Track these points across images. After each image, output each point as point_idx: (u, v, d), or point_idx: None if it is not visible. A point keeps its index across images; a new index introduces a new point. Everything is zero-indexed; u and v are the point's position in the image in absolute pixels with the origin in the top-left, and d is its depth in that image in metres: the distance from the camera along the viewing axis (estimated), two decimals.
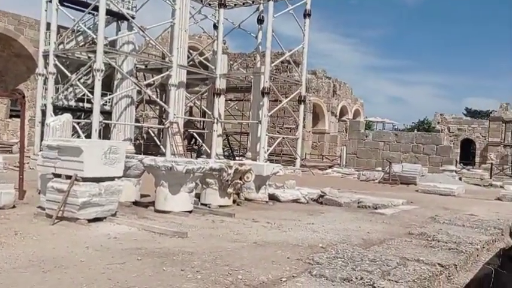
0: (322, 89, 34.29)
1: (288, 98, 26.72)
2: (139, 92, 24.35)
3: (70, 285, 3.80)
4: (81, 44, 22.75)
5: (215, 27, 27.47)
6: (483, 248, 6.48)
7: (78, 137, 19.83)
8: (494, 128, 38.10)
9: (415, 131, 34.98)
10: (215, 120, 25.09)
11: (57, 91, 22.31)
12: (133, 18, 22.61)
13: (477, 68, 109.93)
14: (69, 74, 21.68)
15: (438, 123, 44.23)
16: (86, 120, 22.28)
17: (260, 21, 27.33)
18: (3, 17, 23.62)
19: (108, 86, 22.86)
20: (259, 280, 4.17)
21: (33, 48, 23.99)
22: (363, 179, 20.13)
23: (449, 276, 5.08)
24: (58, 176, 6.60)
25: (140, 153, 20.55)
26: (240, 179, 9.10)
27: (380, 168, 23.26)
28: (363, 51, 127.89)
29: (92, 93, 19.93)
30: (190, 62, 26.29)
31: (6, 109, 25.33)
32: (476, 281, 5.47)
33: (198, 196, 8.88)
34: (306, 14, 26.02)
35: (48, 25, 22.10)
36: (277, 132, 29.21)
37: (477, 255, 6.15)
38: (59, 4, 21.80)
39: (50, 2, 21.89)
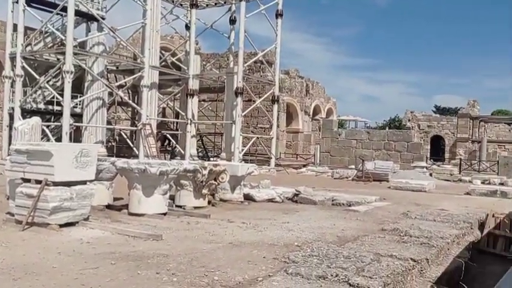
0: (295, 89, 34.50)
1: (262, 98, 26.79)
2: (110, 94, 23.97)
3: None
4: (49, 46, 22.23)
5: (187, 27, 27.32)
6: (453, 241, 6.65)
7: (48, 140, 19.37)
8: (463, 124, 39.08)
9: (387, 129, 35.59)
10: (189, 121, 24.94)
11: (25, 94, 21.76)
12: (103, 19, 22.25)
13: (445, 66, 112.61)
14: (37, 77, 21.16)
15: (409, 120, 45.07)
16: (55, 123, 21.79)
17: (232, 21, 27.30)
18: None
19: (78, 88, 22.42)
20: (236, 280, 4.17)
21: None
22: (337, 176, 20.38)
23: (421, 271, 5.20)
24: (27, 181, 6.44)
25: (113, 156, 20.22)
26: (215, 179, 9.08)
27: (353, 166, 23.59)
28: (335, 50, 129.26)
29: (62, 95, 19.51)
30: (163, 63, 26.06)
31: None
32: (448, 274, 5.61)
33: (172, 198, 8.81)
34: (278, 14, 26.15)
35: (15, 26, 21.52)
36: (252, 132, 29.24)
37: (448, 249, 6.31)
38: (25, 5, 21.25)
39: (17, 2, 21.32)
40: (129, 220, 7.24)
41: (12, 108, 21.25)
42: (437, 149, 43.58)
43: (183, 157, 23.52)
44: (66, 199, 6.23)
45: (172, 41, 32.13)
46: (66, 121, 19.09)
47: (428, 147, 42.66)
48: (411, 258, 5.16)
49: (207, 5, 27.73)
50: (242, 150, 24.52)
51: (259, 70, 31.46)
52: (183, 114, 25.67)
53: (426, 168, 23.93)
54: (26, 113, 20.52)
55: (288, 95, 33.13)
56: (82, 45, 21.95)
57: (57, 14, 21.13)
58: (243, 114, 24.79)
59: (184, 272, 4.34)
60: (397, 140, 27.54)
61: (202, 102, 30.63)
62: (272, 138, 26.42)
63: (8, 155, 7.39)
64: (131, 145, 23.53)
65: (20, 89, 21.25)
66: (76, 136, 22.24)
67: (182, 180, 8.70)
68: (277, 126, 28.20)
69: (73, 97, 20.54)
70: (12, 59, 21.53)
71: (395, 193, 13.76)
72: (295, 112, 34.49)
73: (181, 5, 27.41)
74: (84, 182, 6.61)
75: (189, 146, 24.77)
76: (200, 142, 30.02)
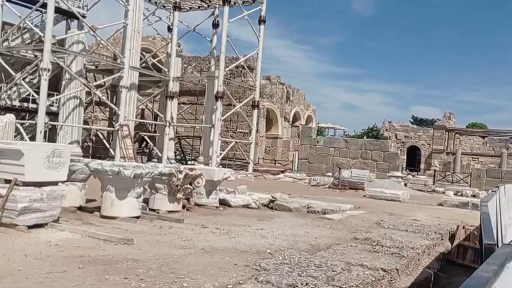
0: (276, 95, 34.63)
1: (242, 103, 26.80)
2: (88, 93, 23.62)
3: None
4: (27, 42, 21.79)
5: (169, 29, 27.16)
6: (424, 252, 6.74)
7: (22, 138, 18.96)
8: (438, 136, 39.84)
9: (365, 138, 36.02)
10: (167, 124, 24.75)
11: (0, 90, 21.27)
12: (84, 17, 21.93)
13: (424, 77, 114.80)
14: (13, 73, 20.70)
15: (386, 130, 45.70)
16: (30, 121, 21.34)
17: (215, 25, 27.28)
18: None
19: (55, 86, 22.02)
20: None
21: None
22: (314, 184, 20.48)
23: (391, 281, 5.24)
24: None
25: (88, 156, 19.93)
26: (190, 184, 9.02)
27: (330, 174, 23.75)
28: (317, 58, 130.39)
29: (38, 93, 19.13)
30: (143, 64, 25.83)
31: None
32: (417, 285, 5.67)
33: (146, 201, 8.71)
34: (261, 21, 26.24)
35: None
36: (231, 136, 29.19)
37: (418, 260, 6.39)
38: (4, 0, 20.81)
39: None
40: (100, 223, 7.13)
41: None
42: (413, 160, 44.28)
43: (160, 160, 23.30)
44: (36, 200, 6.10)
45: (153, 42, 31.90)
46: (41, 119, 18.71)
47: (405, 157, 43.33)
48: (381, 268, 5.21)
49: (190, 8, 27.64)
50: (220, 154, 24.46)
51: (241, 75, 31.49)
52: (162, 116, 25.48)
53: (401, 178, 24.29)
54: (0, 110, 20.04)
55: (268, 101, 33.23)
56: (61, 42, 21.57)
57: (37, 10, 20.74)
58: (222, 118, 24.74)
59: (153, 278, 4.29)
60: (374, 149, 27.89)
61: (182, 105, 30.47)
62: (251, 143, 26.42)
63: None
64: (108, 146, 23.21)
65: None
66: (51, 135, 21.82)
67: (157, 183, 8.62)
68: (257, 131, 28.23)
69: (49, 95, 20.14)
70: None
71: (370, 202, 13.89)
72: (275, 118, 34.60)
73: (164, 6, 27.26)
74: (55, 183, 6.48)
75: (167, 149, 24.57)
76: (178, 145, 29.82)
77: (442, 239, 8.03)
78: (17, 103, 21.87)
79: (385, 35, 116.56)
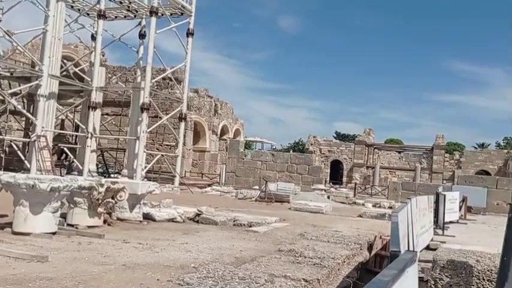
0: (203, 108, 34.55)
1: (169, 115, 26.42)
2: (2, 102, 22.09)
3: None
4: None
5: (93, 38, 26.19)
6: (344, 262, 7.00)
7: None
8: (359, 150, 41.84)
9: (291, 152, 36.93)
10: (89, 135, 23.74)
11: None
12: None
13: (346, 95, 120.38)
14: None
15: (311, 144, 47.23)
16: None
17: (142, 35, 26.74)
18: None
19: None
20: None
21: None
22: (241, 197, 20.58)
23: None
24: None
25: (0, 169, 18.58)
26: (113, 197, 8.69)
27: (257, 187, 24.02)
28: (246, 73, 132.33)
29: None
30: (64, 73, 24.66)
31: None
32: None
33: (64, 216, 8.26)
34: (189, 33, 26.16)
35: None
36: (157, 149, 28.61)
37: (338, 269, 6.62)
38: None
39: None
40: (12, 240, 6.64)
41: None
42: (336, 173, 46.08)
43: (80, 172, 22.24)
44: None
45: (76, 50, 30.62)
46: None
47: (328, 170, 44.98)
48: (303, 279, 5.33)
49: (115, 17, 26.92)
50: (145, 167, 23.86)
51: (168, 87, 31.08)
52: (84, 127, 24.41)
53: (325, 190, 25.13)
54: None
55: (196, 114, 33.06)
56: None
57: None
58: (148, 130, 24.20)
59: None
60: (299, 163, 28.65)
61: (106, 116, 29.40)
62: (178, 156, 26.05)
63: None
64: (23, 158, 21.76)
65: None
66: None
67: (76, 197, 8.21)
68: (184, 144, 27.91)
69: None
70: None
71: (295, 214, 14.20)
72: (203, 131, 34.46)
73: (88, 14, 26.30)
74: None
75: (88, 161, 23.51)
76: (101, 157, 28.67)
77: (361, 249, 8.38)
78: None
79: (309, 52, 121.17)
